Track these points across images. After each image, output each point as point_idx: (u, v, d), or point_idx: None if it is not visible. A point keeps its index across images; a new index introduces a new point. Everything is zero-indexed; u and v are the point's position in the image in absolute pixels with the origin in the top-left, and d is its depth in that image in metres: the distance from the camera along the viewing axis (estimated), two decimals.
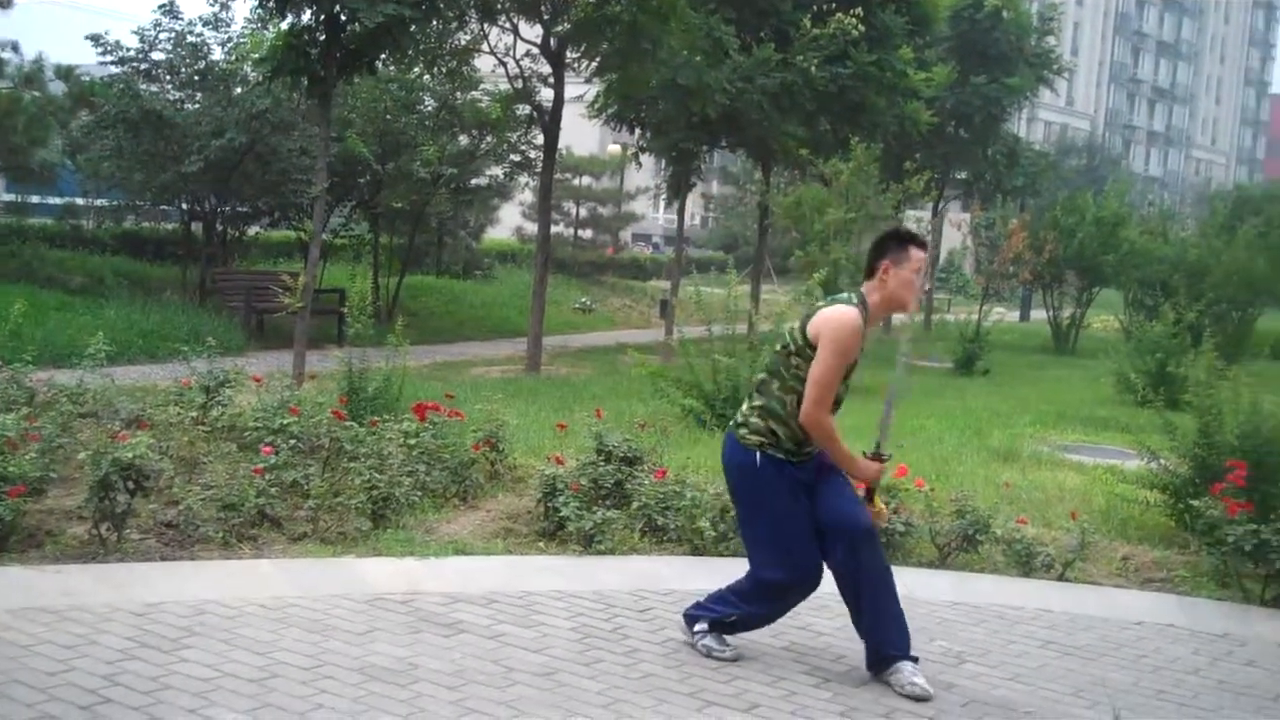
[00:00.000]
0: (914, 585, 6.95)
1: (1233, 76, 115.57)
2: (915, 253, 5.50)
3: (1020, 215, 26.63)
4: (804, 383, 5.39)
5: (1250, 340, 22.77)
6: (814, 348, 5.38)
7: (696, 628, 5.76)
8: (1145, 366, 16.48)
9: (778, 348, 5.63)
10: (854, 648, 5.67)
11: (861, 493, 5.64)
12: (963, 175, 32.15)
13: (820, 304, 5.66)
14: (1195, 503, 7.59)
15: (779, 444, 5.48)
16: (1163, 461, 8.50)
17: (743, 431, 5.56)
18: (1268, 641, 6.61)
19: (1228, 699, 5.68)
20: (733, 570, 6.54)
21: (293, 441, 7.61)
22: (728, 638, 5.72)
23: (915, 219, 27.47)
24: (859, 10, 20.18)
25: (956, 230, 31.74)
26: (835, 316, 5.39)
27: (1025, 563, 7.36)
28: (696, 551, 7.16)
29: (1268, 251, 24.61)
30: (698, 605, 5.83)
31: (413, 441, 7.89)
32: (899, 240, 5.58)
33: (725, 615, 5.69)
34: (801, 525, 5.47)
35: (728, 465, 5.69)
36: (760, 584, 5.61)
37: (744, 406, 5.67)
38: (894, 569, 5.42)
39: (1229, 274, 23.09)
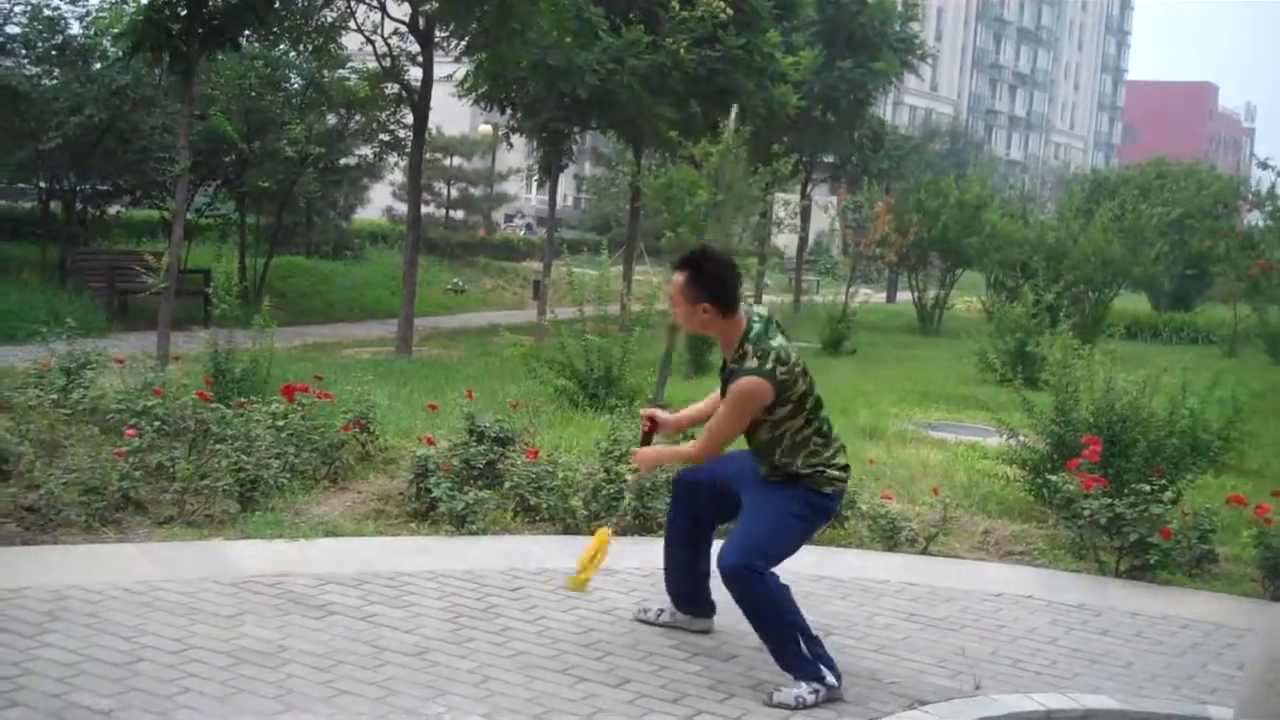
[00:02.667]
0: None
1: (1091, 63, 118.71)
2: None
3: (885, 198, 27.04)
4: (801, 414, 5.26)
5: (1106, 320, 23.43)
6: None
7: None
8: (1005, 346, 16.93)
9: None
10: (724, 623, 5.75)
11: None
12: (830, 158, 32.58)
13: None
14: (1053, 478, 7.80)
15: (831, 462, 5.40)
16: (1022, 438, 8.72)
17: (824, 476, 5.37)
18: (1121, 611, 6.83)
19: (1082, 666, 5.87)
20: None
21: (157, 424, 7.46)
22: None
23: (784, 201, 27.78)
24: None
25: (824, 213, 32.13)
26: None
27: (890, 537, 7.52)
28: (568, 531, 7.19)
29: (1123, 234, 25.35)
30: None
31: (281, 423, 7.79)
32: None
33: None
34: None
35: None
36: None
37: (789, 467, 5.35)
38: None
39: (1086, 256, 23.73)
